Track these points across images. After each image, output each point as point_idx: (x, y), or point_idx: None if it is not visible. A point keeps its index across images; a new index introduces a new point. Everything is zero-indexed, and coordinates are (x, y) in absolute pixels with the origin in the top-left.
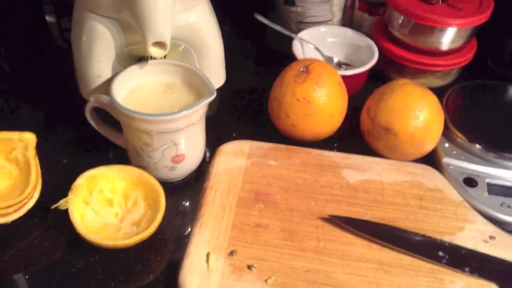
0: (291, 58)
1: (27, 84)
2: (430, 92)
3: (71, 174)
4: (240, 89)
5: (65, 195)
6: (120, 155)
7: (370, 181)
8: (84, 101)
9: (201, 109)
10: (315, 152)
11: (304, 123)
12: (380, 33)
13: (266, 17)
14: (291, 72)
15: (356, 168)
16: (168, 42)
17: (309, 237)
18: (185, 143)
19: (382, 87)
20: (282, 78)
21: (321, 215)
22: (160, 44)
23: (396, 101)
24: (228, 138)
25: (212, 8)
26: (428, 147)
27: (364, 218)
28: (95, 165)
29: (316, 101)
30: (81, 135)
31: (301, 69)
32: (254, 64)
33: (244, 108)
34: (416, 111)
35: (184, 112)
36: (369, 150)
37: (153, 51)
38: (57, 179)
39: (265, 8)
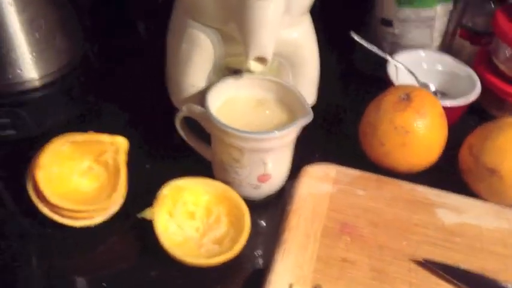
0: (381, 80)
1: (113, 85)
2: None
3: (153, 181)
4: (326, 107)
5: (146, 202)
6: (202, 167)
7: (467, 224)
8: (172, 107)
9: (296, 130)
10: (408, 185)
11: (400, 154)
12: (482, 63)
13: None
14: (389, 98)
15: (452, 209)
16: (269, 57)
17: (401, 281)
18: (273, 163)
19: (488, 125)
20: (378, 104)
21: (414, 256)
22: (261, 59)
23: (506, 140)
24: (311, 158)
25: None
26: None
27: (461, 265)
28: (177, 174)
29: (415, 131)
30: (166, 142)
31: (402, 97)
32: (341, 82)
33: (329, 127)
34: None
35: (280, 132)
36: (460, 188)
37: (253, 65)
38: (139, 185)
39: (357, 25)
